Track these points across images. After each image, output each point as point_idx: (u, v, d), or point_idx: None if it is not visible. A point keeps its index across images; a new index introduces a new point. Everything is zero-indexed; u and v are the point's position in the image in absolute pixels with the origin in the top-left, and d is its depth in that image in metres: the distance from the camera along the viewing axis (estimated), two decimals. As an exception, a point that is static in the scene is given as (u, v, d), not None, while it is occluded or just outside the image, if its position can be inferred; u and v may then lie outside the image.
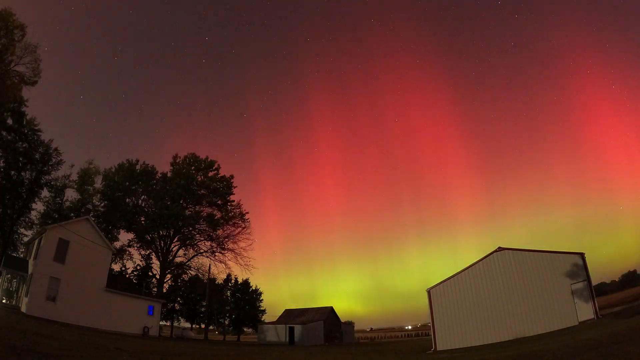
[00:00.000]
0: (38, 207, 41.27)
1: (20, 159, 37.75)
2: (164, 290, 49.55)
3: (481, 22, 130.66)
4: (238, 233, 50.70)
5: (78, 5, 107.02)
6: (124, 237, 50.09)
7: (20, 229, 40.74)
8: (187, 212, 49.81)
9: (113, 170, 49.19)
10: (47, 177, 40.57)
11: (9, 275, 28.26)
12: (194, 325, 64.15)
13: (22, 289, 27.18)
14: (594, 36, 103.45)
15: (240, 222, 51.43)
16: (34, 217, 41.25)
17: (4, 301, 27.17)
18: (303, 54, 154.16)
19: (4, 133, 36.11)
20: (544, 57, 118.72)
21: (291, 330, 47.51)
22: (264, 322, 58.51)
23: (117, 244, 45.95)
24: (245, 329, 67.92)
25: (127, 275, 48.89)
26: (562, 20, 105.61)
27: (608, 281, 75.51)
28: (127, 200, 49.05)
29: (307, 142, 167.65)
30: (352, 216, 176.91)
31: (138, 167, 50.36)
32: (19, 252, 38.73)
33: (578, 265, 20.99)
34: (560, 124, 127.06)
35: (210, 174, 51.64)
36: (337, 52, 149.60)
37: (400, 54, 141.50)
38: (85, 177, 44.40)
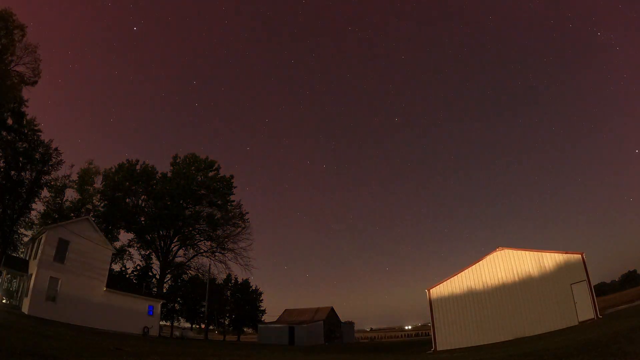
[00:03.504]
0: (38, 207, 41.29)
1: (20, 159, 37.69)
2: (164, 290, 49.55)
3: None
4: (238, 233, 50.75)
5: (78, 5, 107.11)
6: (124, 237, 50.14)
7: (20, 229, 40.70)
8: (187, 212, 49.80)
9: (113, 170, 49.16)
10: (47, 177, 40.52)
11: (9, 275, 28.25)
12: (194, 325, 64.15)
13: (22, 289, 27.18)
14: None
15: (240, 222, 51.47)
16: (34, 217, 41.27)
17: (4, 301, 27.15)
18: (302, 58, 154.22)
19: (4, 133, 36.07)
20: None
21: (291, 330, 47.54)
22: (264, 322, 58.54)
23: (117, 244, 45.92)
24: (245, 329, 67.95)
25: (127, 275, 48.88)
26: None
27: (608, 281, 75.65)
28: (127, 200, 49.02)
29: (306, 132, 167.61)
30: (353, 214, 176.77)
31: (138, 167, 50.35)
32: (19, 252, 38.71)
33: (578, 265, 20.98)
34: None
35: (210, 174, 51.65)
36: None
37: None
38: (85, 177, 44.36)
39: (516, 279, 22.35)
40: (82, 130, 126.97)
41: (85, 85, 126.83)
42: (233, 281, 64.53)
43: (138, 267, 50.89)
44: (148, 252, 50.85)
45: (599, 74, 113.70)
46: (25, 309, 24.36)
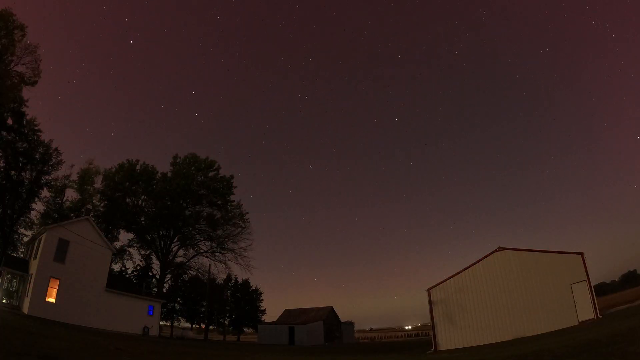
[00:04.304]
0: (38, 207, 41.26)
1: (20, 159, 37.70)
2: (164, 290, 49.55)
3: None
4: (238, 233, 50.76)
5: (77, 5, 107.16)
6: (124, 237, 50.13)
7: (20, 229, 40.71)
8: (187, 212, 49.81)
9: (113, 170, 49.18)
10: (47, 177, 40.50)
11: (9, 275, 28.23)
12: (194, 325, 64.18)
13: (22, 289, 27.17)
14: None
15: (240, 222, 51.48)
16: (34, 217, 41.24)
17: (4, 301, 27.12)
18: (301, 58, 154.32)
19: (4, 133, 36.08)
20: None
21: (291, 330, 47.52)
22: (264, 322, 58.55)
23: (117, 244, 45.95)
24: (245, 329, 67.97)
25: (127, 275, 48.89)
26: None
27: (608, 281, 75.68)
28: (127, 200, 49.03)
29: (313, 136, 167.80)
30: (353, 214, 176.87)
31: (138, 167, 50.36)
32: (19, 252, 38.70)
33: (578, 265, 20.97)
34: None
35: (210, 174, 51.67)
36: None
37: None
38: (85, 177, 44.33)
39: (516, 279, 22.34)
40: (82, 131, 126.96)
41: (85, 86, 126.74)
42: (233, 281, 64.58)
43: (138, 267, 50.92)
44: (148, 252, 50.90)
45: (595, 64, 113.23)
46: (25, 309, 24.36)
